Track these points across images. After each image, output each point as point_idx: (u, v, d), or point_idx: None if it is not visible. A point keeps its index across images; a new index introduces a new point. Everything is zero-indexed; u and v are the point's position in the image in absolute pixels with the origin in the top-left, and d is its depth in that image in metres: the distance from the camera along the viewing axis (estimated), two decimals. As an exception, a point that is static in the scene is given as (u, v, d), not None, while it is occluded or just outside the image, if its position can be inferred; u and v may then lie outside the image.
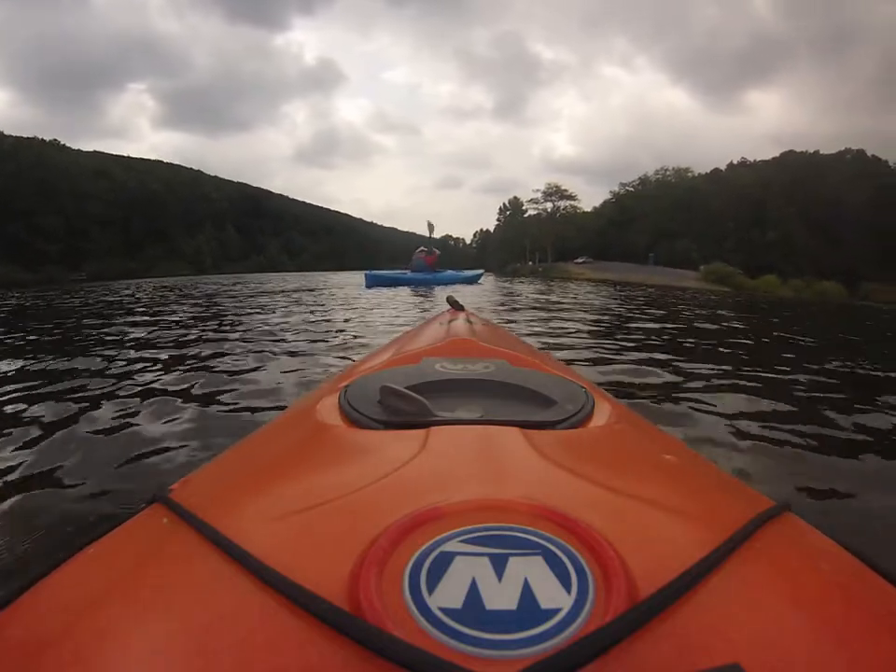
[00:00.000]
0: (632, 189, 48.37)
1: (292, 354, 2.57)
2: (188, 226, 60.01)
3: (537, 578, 0.21)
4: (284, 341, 3.04)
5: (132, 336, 3.39)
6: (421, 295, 7.87)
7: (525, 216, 47.60)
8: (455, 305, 1.29)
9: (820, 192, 36.28)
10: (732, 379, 2.14)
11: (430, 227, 14.19)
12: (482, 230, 70.54)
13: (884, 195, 33.46)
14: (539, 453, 0.33)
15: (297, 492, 0.31)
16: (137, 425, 1.44)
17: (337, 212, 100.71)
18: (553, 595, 0.20)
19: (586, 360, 2.46)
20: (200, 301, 7.06)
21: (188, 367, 2.26)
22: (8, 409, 1.62)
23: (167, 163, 72.75)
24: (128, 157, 66.36)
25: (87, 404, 1.64)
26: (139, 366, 2.31)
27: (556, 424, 0.42)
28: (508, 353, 0.71)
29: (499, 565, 0.21)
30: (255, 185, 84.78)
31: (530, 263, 41.87)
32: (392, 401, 0.44)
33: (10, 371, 2.27)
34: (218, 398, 1.74)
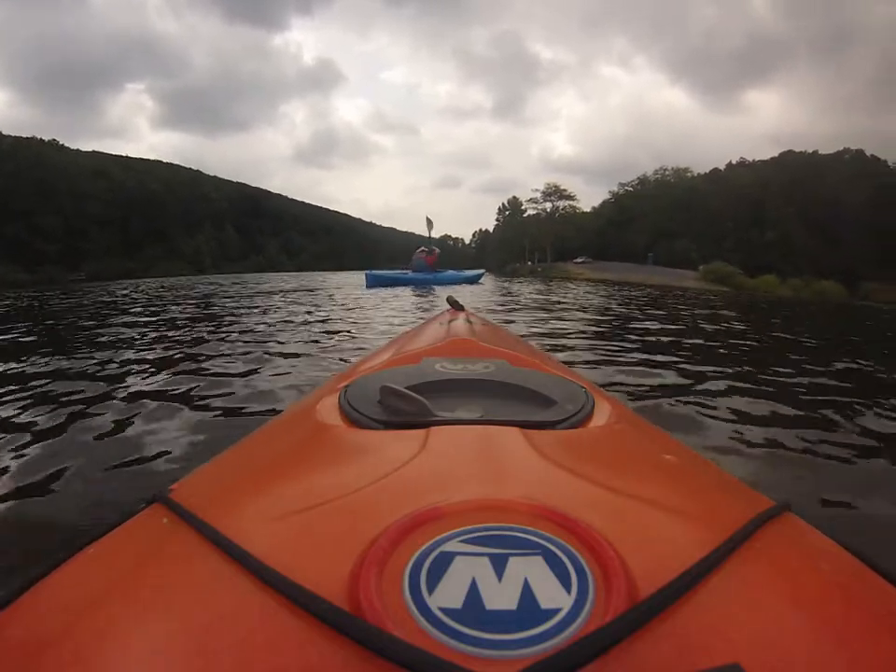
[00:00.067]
0: (631, 188, 48.36)
1: (291, 356, 2.56)
2: (187, 226, 59.95)
3: (537, 578, 0.21)
4: (283, 342, 3.03)
5: (127, 337, 3.38)
6: (422, 295, 7.83)
7: (525, 215, 47.57)
8: (455, 305, 1.29)
9: (819, 192, 36.32)
10: (732, 379, 2.13)
11: (429, 223, 13.93)
12: (480, 230, 70.58)
13: (883, 195, 33.49)
14: (539, 453, 0.33)
15: (297, 492, 0.31)
16: (134, 426, 1.43)
17: (336, 212, 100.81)
18: (552, 595, 0.20)
19: (586, 360, 2.46)
20: (197, 302, 7.05)
21: (185, 368, 2.25)
22: (1, 411, 1.60)
23: (166, 163, 72.83)
24: (126, 157, 66.41)
25: (82, 406, 1.63)
26: (135, 368, 2.29)
27: (556, 424, 0.42)
28: (508, 353, 0.71)
29: (499, 565, 0.21)
30: (254, 185, 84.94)
31: (529, 263, 41.85)
32: (392, 401, 0.44)
33: (3, 372, 2.26)
34: (216, 399, 1.73)
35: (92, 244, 48.68)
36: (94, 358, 2.54)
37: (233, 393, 1.81)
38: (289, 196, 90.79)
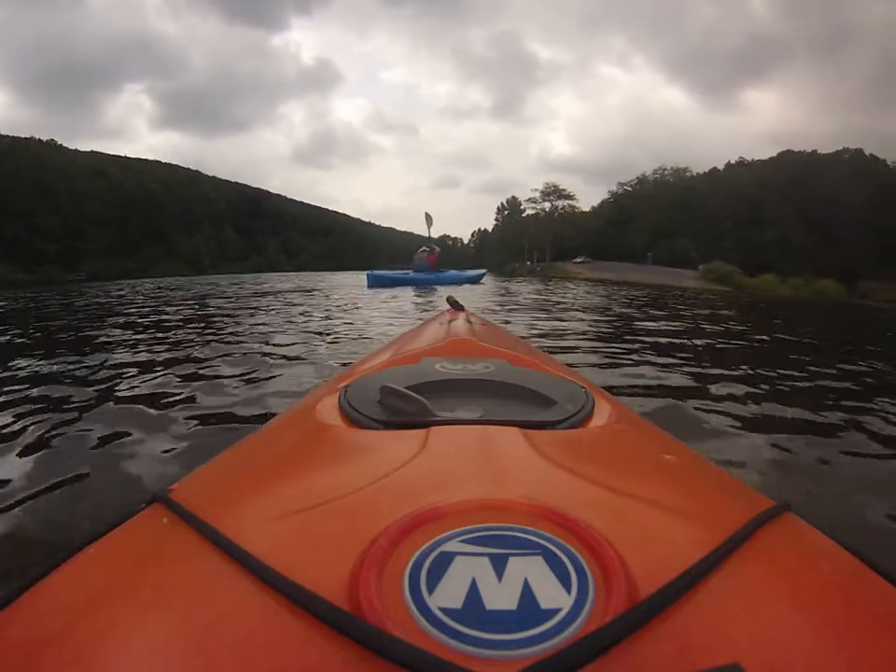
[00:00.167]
0: (630, 188, 48.41)
1: (288, 357, 2.54)
2: (185, 226, 59.87)
3: (537, 578, 0.21)
4: (281, 344, 3.01)
5: (122, 339, 3.35)
6: (425, 296, 7.79)
7: (524, 215, 47.62)
8: (455, 305, 1.29)
9: (818, 191, 36.36)
10: (732, 379, 2.13)
11: (428, 219, 13.68)
12: (479, 229, 70.50)
13: (882, 194, 33.52)
14: (539, 453, 0.33)
15: (297, 492, 0.31)
16: (129, 429, 1.42)
17: (335, 212, 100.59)
18: (553, 595, 0.20)
19: (586, 361, 2.46)
20: (193, 303, 7.03)
21: (182, 370, 2.24)
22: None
23: (165, 163, 72.58)
24: (125, 157, 66.18)
25: (78, 409, 1.62)
26: (130, 370, 2.26)
27: (556, 424, 0.42)
28: (508, 353, 0.71)
29: (499, 565, 0.21)
30: (253, 185, 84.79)
31: (528, 263, 41.89)
32: (392, 401, 0.44)
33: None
34: (215, 400, 1.73)
35: (91, 244, 48.61)
36: (89, 361, 2.53)
37: (231, 394, 1.80)
38: (288, 196, 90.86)
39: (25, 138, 50.96)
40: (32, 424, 1.47)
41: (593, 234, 44.92)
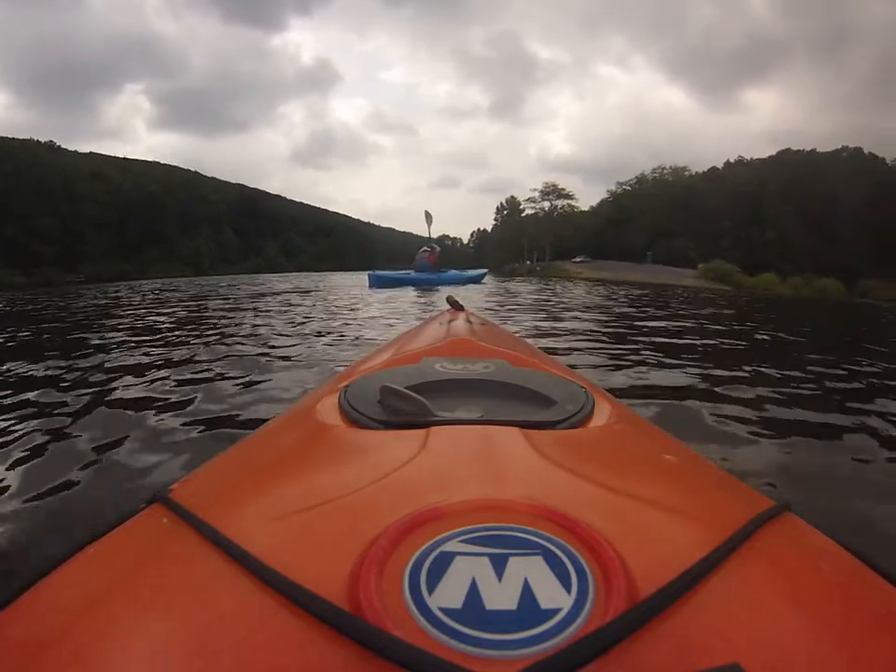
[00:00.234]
0: (629, 187, 48.47)
1: (290, 359, 2.53)
2: (184, 228, 59.82)
3: (537, 578, 0.21)
4: (282, 346, 3.00)
5: (117, 341, 3.33)
6: (426, 296, 7.75)
7: (523, 215, 47.68)
8: (455, 305, 1.29)
9: (817, 190, 36.41)
10: (733, 379, 2.13)
11: (428, 217, 13.55)
12: (479, 229, 70.55)
13: (881, 193, 33.58)
14: (539, 453, 0.33)
15: (297, 492, 0.32)
16: (126, 432, 1.42)
17: (335, 213, 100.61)
18: (553, 595, 0.20)
19: (586, 360, 2.46)
20: (194, 305, 7.03)
21: (181, 372, 2.23)
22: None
23: (164, 165, 72.57)
24: (124, 158, 66.22)
25: (76, 411, 1.61)
26: (126, 373, 2.24)
27: (556, 424, 0.42)
28: (508, 353, 0.71)
29: (499, 565, 0.21)
30: (252, 186, 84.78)
31: (528, 263, 41.91)
32: (392, 401, 0.44)
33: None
34: (214, 402, 1.72)
35: (90, 246, 48.59)
36: (87, 363, 2.51)
37: (230, 396, 1.80)
38: (288, 197, 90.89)
39: (24, 140, 50.96)
40: (29, 426, 1.47)
41: (592, 234, 44.98)
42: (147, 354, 2.74)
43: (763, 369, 2.38)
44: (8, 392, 1.90)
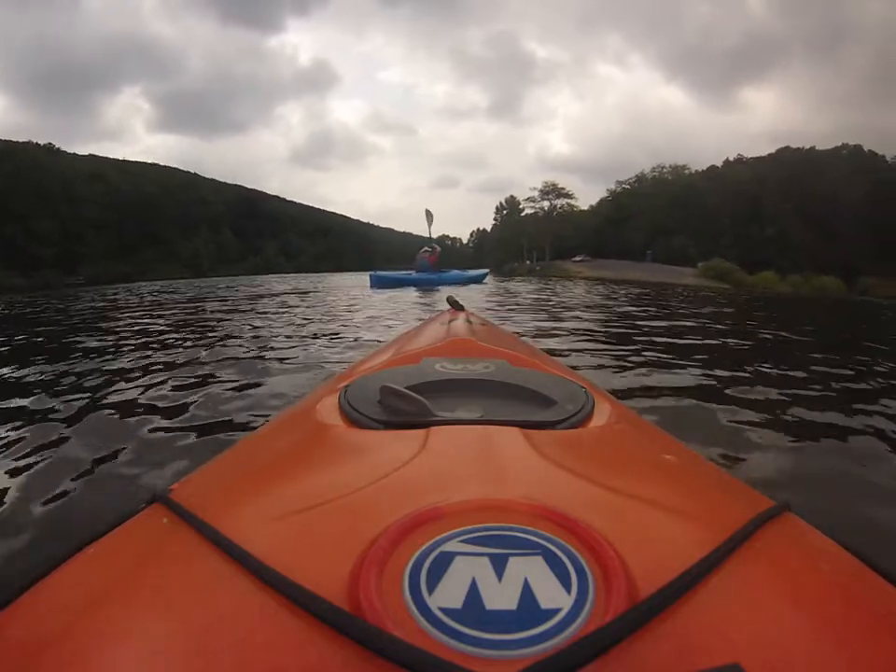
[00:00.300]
0: (628, 186, 48.45)
1: (289, 360, 2.52)
2: (184, 229, 59.79)
3: (537, 578, 0.21)
4: (281, 347, 2.99)
5: (114, 344, 3.31)
6: (428, 297, 7.72)
7: (522, 215, 47.66)
8: (455, 305, 1.29)
9: (816, 188, 36.38)
10: (733, 379, 2.13)
11: (429, 216, 13.50)
12: (478, 229, 70.45)
13: (881, 190, 33.55)
14: (539, 453, 0.33)
15: (297, 492, 0.32)
16: (128, 431, 1.42)
17: (334, 213, 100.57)
18: (553, 595, 0.20)
19: (586, 360, 2.46)
20: (193, 306, 7.03)
21: (180, 373, 2.23)
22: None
23: (163, 166, 72.43)
24: (123, 160, 66.17)
25: (74, 413, 1.61)
26: (128, 374, 2.24)
27: (556, 424, 0.42)
28: (508, 353, 0.71)
29: (499, 565, 0.21)
30: (251, 187, 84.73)
31: (528, 262, 41.87)
32: (392, 401, 0.44)
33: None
34: (213, 403, 1.72)
35: (89, 247, 48.57)
36: (85, 366, 2.50)
37: (230, 397, 1.79)
38: (287, 198, 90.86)
39: (23, 142, 50.93)
40: (26, 430, 1.46)
41: (592, 233, 44.94)
42: (144, 357, 2.73)
43: (763, 368, 2.38)
44: (5, 396, 1.89)
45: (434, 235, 13.53)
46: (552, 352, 2.41)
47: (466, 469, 0.31)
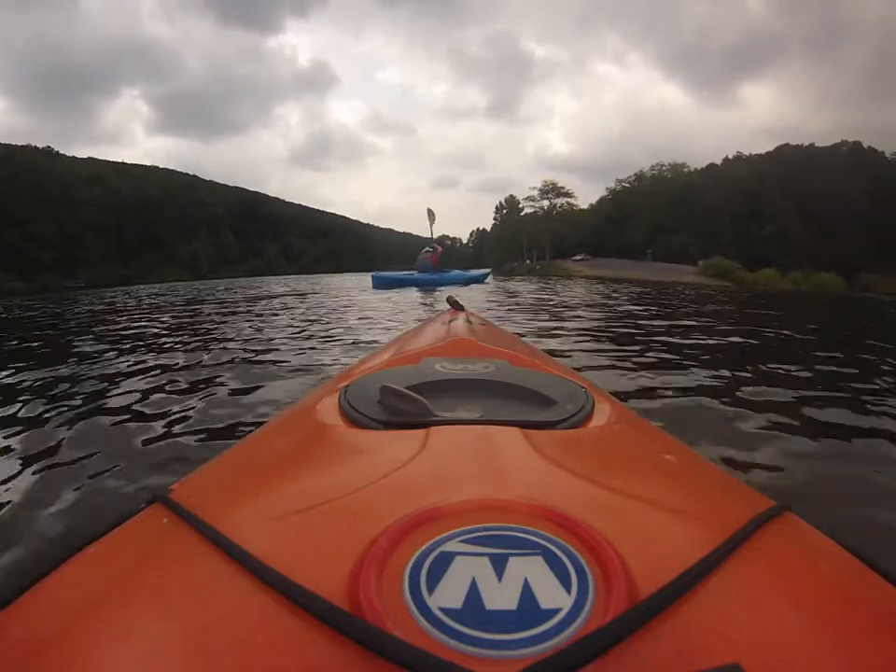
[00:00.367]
0: (628, 185, 48.42)
1: (288, 362, 2.52)
2: (183, 231, 59.90)
3: (537, 578, 0.21)
4: (281, 349, 2.98)
5: (118, 347, 3.32)
6: (429, 297, 7.69)
7: (522, 214, 47.64)
8: (455, 305, 1.29)
9: (816, 185, 36.35)
10: (733, 378, 2.13)
11: (431, 215, 13.43)
12: (478, 229, 70.28)
13: (880, 187, 33.54)
14: (539, 453, 0.33)
15: (297, 492, 0.32)
16: (127, 433, 1.42)
17: (333, 214, 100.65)
18: (553, 595, 0.20)
19: (586, 360, 2.45)
20: (192, 309, 7.03)
21: (179, 375, 2.23)
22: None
23: (162, 169, 72.62)
24: (122, 163, 66.41)
25: (74, 415, 1.61)
26: (127, 376, 2.25)
27: (556, 424, 0.42)
28: (508, 353, 0.71)
29: (499, 565, 0.21)
30: (250, 188, 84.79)
31: (528, 262, 41.86)
32: (392, 401, 0.44)
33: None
34: (212, 403, 1.72)
35: (88, 251, 48.68)
36: (84, 368, 2.50)
37: (229, 397, 1.79)
38: (286, 199, 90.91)
39: (22, 146, 50.96)
40: (24, 434, 1.46)
41: (591, 232, 44.93)
42: (141, 361, 2.73)
43: (765, 367, 2.37)
44: (4, 400, 1.89)
45: (435, 235, 13.54)
46: (552, 352, 2.41)
47: (466, 469, 0.31)
